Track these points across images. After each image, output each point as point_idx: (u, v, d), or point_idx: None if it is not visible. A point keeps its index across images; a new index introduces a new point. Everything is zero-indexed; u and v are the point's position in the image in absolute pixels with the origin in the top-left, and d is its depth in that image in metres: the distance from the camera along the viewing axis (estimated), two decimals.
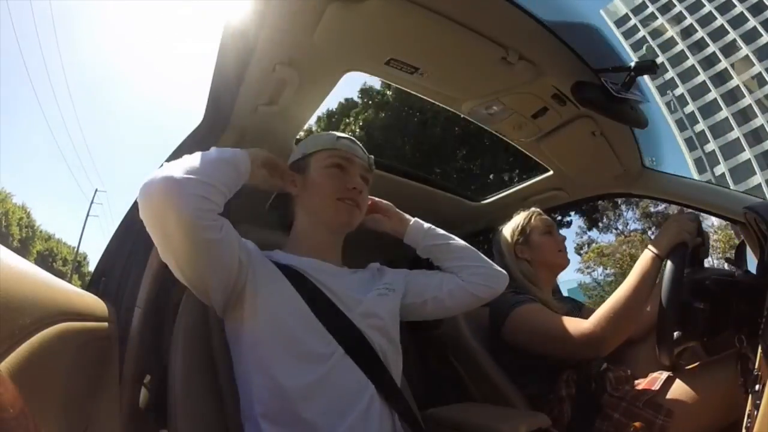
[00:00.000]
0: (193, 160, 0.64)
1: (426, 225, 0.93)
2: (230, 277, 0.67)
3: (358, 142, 0.89)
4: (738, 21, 34.19)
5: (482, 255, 0.92)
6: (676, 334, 0.83)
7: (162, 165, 0.63)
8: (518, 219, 1.25)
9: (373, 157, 0.91)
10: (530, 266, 1.19)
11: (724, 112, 33.77)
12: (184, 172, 0.61)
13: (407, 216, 0.95)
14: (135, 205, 0.94)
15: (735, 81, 33.73)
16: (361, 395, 0.70)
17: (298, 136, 1.05)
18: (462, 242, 0.93)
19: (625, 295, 0.92)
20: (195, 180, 0.61)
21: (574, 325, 0.96)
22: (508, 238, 1.23)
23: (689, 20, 36.79)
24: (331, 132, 0.89)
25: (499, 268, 0.92)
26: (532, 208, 1.27)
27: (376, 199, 0.94)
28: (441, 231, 0.93)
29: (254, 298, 0.69)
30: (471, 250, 0.92)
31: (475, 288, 0.87)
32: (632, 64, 0.86)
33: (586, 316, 0.97)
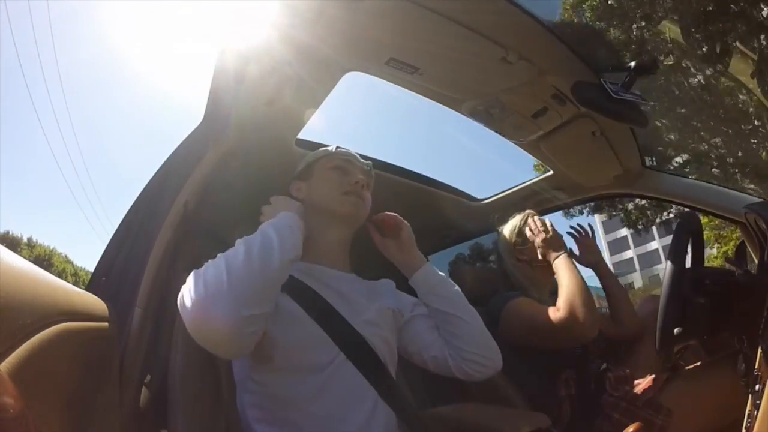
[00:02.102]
0: (253, 279, 0.59)
1: (437, 277, 0.85)
2: None
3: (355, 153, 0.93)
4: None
5: (482, 329, 0.83)
6: (676, 330, 0.83)
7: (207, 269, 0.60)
8: (515, 221, 1.26)
9: (371, 162, 0.94)
10: (529, 267, 1.20)
11: None
12: (238, 305, 0.56)
13: (419, 257, 0.88)
14: (134, 206, 0.94)
15: None
16: (363, 400, 0.70)
17: (298, 136, 1.05)
18: (469, 316, 0.82)
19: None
20: (246, 318, 0.57)
21: (551, 312, 1.01)
22: (508, 240, 1.24)
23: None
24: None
25: (492, 354, 0.82)
26: (527, 210, 1.28)
27: (399, 218, 0.90)
28: (451, 290, 0.85)
29: None
30: (471, 327, 0.82)
31: (457, 369, 0.81)
32: (632, 64, 0.86)
33: None
